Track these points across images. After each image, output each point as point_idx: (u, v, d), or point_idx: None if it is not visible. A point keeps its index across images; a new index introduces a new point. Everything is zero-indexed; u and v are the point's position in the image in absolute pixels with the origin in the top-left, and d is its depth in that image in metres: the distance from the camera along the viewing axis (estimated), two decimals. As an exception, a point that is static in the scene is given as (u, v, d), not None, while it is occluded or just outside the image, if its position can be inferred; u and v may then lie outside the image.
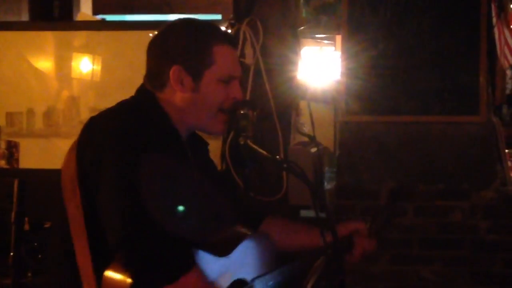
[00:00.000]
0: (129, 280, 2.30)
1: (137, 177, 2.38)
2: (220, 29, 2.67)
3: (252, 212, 2.91)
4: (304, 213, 3.94)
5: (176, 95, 2.51)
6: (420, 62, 3.97)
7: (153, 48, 2.50)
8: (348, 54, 4.01)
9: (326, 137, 4.19)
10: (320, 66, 4.28)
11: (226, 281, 2.53)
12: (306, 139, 3.82)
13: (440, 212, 3.98)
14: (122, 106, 2.54)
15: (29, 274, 3.03)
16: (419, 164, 4.01)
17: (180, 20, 2.66)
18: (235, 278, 2.55)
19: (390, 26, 4.00)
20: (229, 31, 3.66)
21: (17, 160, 3.87)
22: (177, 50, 2.50)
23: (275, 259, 2.70)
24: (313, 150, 3.74)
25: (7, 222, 3.10)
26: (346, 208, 4.04)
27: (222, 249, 2.54)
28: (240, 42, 3.60)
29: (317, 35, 4.25)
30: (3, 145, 3.87)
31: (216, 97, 2.50)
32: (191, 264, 2.33)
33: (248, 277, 2.58)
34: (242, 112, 2.73)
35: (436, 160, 4.01)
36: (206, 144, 2.81)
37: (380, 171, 4.04)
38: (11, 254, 2.76)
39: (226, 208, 2.71)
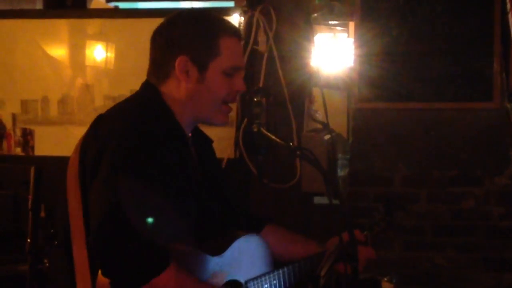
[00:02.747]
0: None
1: (134, 184, 2.38)
2: (227, 21, 2.69)
3: (253, 216, 2.92)
4: (317, 199, 3.94)
5: (180, 86, 2.52)
6: (433, 48, 3.98)
7: (159, 38, 2.50)
8: (361, 41, 4.02)
9: (339, 124, 4.18)
10: (333, 53, 4.27)
11: (220, 280, 2.58)
12: (319, 126, 3.84)
13: (453, 198, 3.99)
14: (127, 105, 2.58)
15: (46, 261, 3.06)
16: (432, 151, 4.03)
17: (186, 10, 2.67)
18: (229, 278, 2.58)
19: (403, 12, 4.01)
20: (241, 19, 3.68)
21: (32, 148, 3.90)
22: (183, 40, 2.50)
23: (271, 262, 2.74)
24: (326, 137, 3.74)
25: (23, 209, 3.12)
26: (358, 195, 4.05)
27: (215, 248, 2.56)
28: (254, 29, 3.61)
29: (330, 22, 4.23)
30: (19, 133, 3.89)
31: (221, 89, 2.52)
32: (165, 264, 2.34)
33: (242, 278, 2.60)
34: (255, 99, 2.74)
35: (449, 146, 4.02)
36: (211, 141, 2.82)
37: (393, 158, 4.06)
38: (28, 241, 2.77)
39: (220, 209, 2.71)
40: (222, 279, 2.57)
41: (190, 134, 2.68)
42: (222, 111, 2.57)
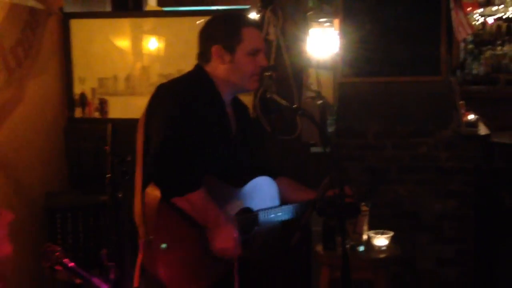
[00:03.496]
0: (158, 195, 2.41)
1: (176, 124, 2.48)
2: (246, 16, 2.78)
3: (271, 167, 2.87)
4: (313, 149, 3.96)
5: (218, 67, 2.57)
6: (396, 37, 4.02)
7: (200, 34, 2.59)
8: (343, 33, 4.08)
9: (328, 94, 4.23)
10: (323, 43, 4.31)
11: (236, 207, 2.62)
12: (313, 94, 3.88)
13: (411, 146, 4.03)
14: (180, 77, 2.67)
15: (120, 193, 3.12)
16: (396, 112, 4.06)
17: (217, 12, 2.73)
18: (244, 206, 2.62)
19: (374, 11, 4.06)
20: (257, 16, 3.66)
21: (106, 112, 3.91)
22: (216, 34, 2.56)
23: (278, 200, 2.73)
24: (319, 102, 3.80)
25: (102, 155, 3.18)
26: (342, 145, 4.08)
27: (237, 182, 2.61)
28: (265, 24, 3.58)
29: (320, 19, 4.26)
30: (96, 102, 3.89)
31: (247, 66, 2.55)
32: (197, 186, 2.41)
33: (254, 207, 2.63)
34: (267, 74, 2.80)
35: (408, 109, 4.05)
36: (246, 108, 2.82)
37: (367, 118, 4.10)
38: (108, 176, 2.80)
39: (247, 156, 2.72)
40: (239, 206, 2.62)
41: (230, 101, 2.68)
42: (251, 81, 2.60)
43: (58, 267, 1.98)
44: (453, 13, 4.02)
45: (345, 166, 4.00)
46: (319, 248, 3.35)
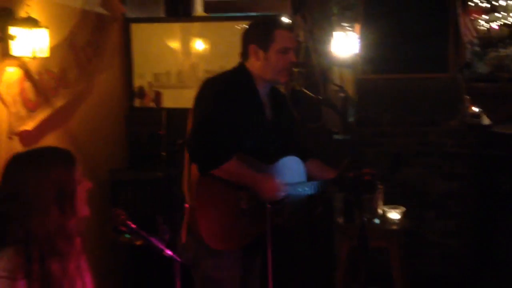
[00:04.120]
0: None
1: (211, 110, 2.50)
2: (280, 20, 2.75)
3: (303, 150, 2.84)
4: (336, 136, 3.93)
5: (255, 63, 2.59)
6: (409, 39, 4.05)
7: (242, 36, 2.61)
8: (363, 36, 4.10)
9: (349, 89, 4.22)
10: (345, 44, 4.31)
11: None
12: (337, 88, 3.90)
13: (421, 134, 4.06)
14: (223, 72, 2.70)
15: (172, 169, 3.22)
16: (408, 104, 4.09)
17: (255, 18, 2.78)
18: None
19: (390, 17, 4.07)
20: (289, 20, 3.69)
21: (160, 103, 3.89)
22: (253, 35, 2.59)
23: (305, 177, 2.71)
24: (341, 95, 3.79)
25: (156, 139, 3.26)
26: (361, 132, 4.12)
27: (268, 160, 2.61)
28: (296, 28, 3.52)
29: (343, 24, 4.27)
30: (152, 94, 3.89)
31: (279, 62, 2.56)
32: (229, 158, 2.43)
33: (284, 182, 2.57)
34: (296, 69, 2.85)
35: (419, 101, 4.08)
36: (284, 97, 2.81)
37: (382, 109, 4.13)
38: (163, 153, 2.87)
39: (281, 139, 2.70)
40: None
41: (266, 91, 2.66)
42: (281, 75, 2.60)
43: (123, 228, 2.05)
44: (460, 18, 4.02)
45: (363, 150, 4.05)
46: (340, 220, 3.39)
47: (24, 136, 2.92)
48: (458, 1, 3.94)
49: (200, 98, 2.60)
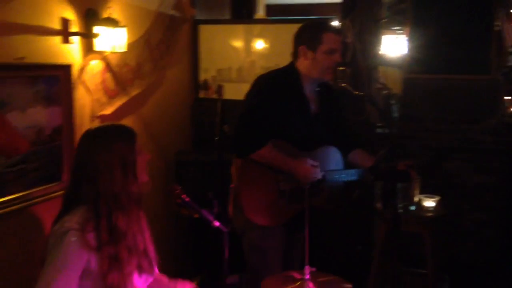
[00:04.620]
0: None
1: (253, 103, 2.58)
2: (328, 24, 2.76)
3: (349, 141, 2.89)
4: (378, 130, 3.93)
5: (303, 62, 2.65)
6: (454, 42, 3.91)
7: (294, 37, 2.69)
8: (411, 38, 4.02)
9: (394, 87, 4.17)
10: (394, 45, 4.27)
11: None
12: (381, 86, 3.87)
13: (462, 131, 3.95)
14: (274, 70, 2.76)
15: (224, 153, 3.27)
16: (450, 103, 3.96)
17: (305, 21, 2.82)
18: None
19: (437, 21, 3.97)
20: (339, 23, 3.70)
21: (222, 94, 3.67)
22: (303, 37, 2.65)
23: (342, 165, 2.74)
24: (384, 92, 3.76)
25: (214, 127, 3.31)
26: (405, 127, 4.02)
27: (307, 148, 2.66)
28: (345, 30, 3.61)
29: (393, 27, 4.24)
30: (215, 86, 3.79)
31: (325, 62, 2.62)
32: (265, 144, 2.49)
33: (321, 169, 2.62)
34: (341, 68, 2.87)
35: (461, 100, 3.94)
36: (333, 93, 2.80)
37: (426, 106, 4.03)
38: (216, 138, 2.97)
39: (327, 130, 2.75)
40: None
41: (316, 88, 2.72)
42: (326, 73, 2.65)
43: (178, 201, 2.16)
44: (503, 24, 3.91)
45: (406, 144, 4.00)
46: (379, 205, 3.39)
47: (103, 119, 3.09)
48: (502, 8, 3.82)
49: (249, 92, 2.69)
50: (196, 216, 2.32)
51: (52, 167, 2.72)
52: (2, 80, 2.38)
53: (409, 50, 4.06)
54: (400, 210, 3.26)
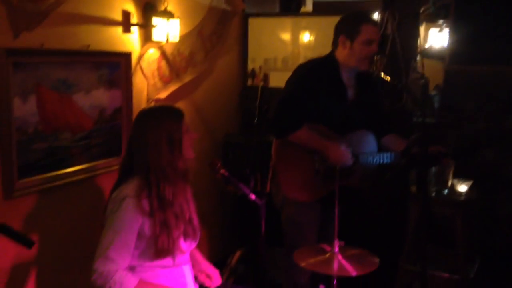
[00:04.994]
0: None
1: (290, 89, 2.60)
2: (367, 15, 2.74)
3: (385, 127, 2.87)
4: (414, 118, 3.82)
5: (342, 51, 2.65)
6: (493, 35, 3.79)
7: (334, 28, 2.70)
8: (452, 31, 3.92)
9: (433, 77, 4.03)
10: (435, 37, 4.18)
11: None
12: (418, 76, 3.75)
13: (499, 120, 3.81)
14: (313, 59, 2.77)
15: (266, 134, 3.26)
16: (488, 93, 3.83)
17: (346, 13, 2.84)
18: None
19: (479, 14, 3.86)
20: (379, 15, 3.66)
21: (268, 82, 3.95)
22: (342, 27, 2.66)
23: (376, 149, 2.72)
24: (421, 81, 3.65)
25: (253, 110, 3.35)
26: (444, 116, 3.91)
27: (343, 131, 2.67)
28: (384, 22, 3.57)
29: (436, 20, 4.14)
30: (262, 75, 3.96)
31: (362, 52, 2.63)
32: (301, 126, 2.52)
33: (355, 152, 2.64)
34: (377, 58, 2.87)
35: (499, 91, 3.84)
36: (371, 80, 2.78)
37: (466, 96, 3.93)
38: (256, 120, 2.97)
39: (364, 115, 2.73)
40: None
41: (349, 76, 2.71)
42: (363, 63, 2.64)
43: (219, 175, 2.28)
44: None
45: (444, 133, 3.92)
46: (413, 188, 3.35)
47: (159, 102, 3.18)
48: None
49: (289, 78, 2.74)
50: (240, 193, 2.42)
51: (113, 143, 2.87)
52: (71, 65, 2.56)
53: (450, 42, 3.97)
54: (433, 194, 3.26)
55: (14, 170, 2.29)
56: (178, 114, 2.16)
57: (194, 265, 2.37)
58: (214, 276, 2.37)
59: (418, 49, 3.82)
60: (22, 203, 2.37)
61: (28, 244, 1.49)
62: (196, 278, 2.34)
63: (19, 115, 2.28)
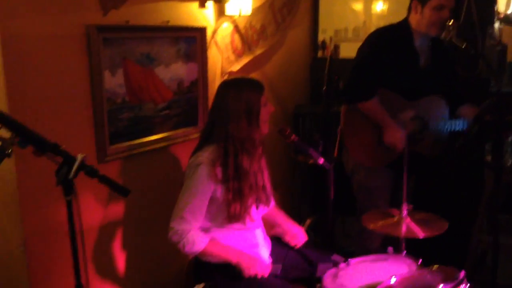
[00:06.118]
0: None
1: (363, 57, 2.64)
2: None
3: (459, 95, 2.84)
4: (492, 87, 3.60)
5: (414, 17, 2.68)
6: None
7: None
8: None
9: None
10: None
11: (409, 114, 2.71)
12: (495, 42, 3.53)
13: None
14: (386, 26, 2.85)
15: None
16: None
17: None
18: (416, 115, 2.74)
19: None
20: None
21: (338, 54, 3.95)
22: None
23: (447, 115, 2.72)
24: (498, 48, 3.48)
25: (323, 81, 3.34)
26: None
27: (413, 96, 2.66)
28: None
29: None
30: (332, 46, 3.94)
31: (432, 17, 2.64)
32: (372, 96, 2.56)
33: (425, 117, 2.69)
34: (449, 23, 2.84)
35: None
36: (445, 47, 2.80)
37: None
38: (324, 88, 3.00)
39: (436, 82, 2.76)
40: (411, 115, 2.72)
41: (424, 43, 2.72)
42: (433, 28, 2.65)
43: (289, 141, 2.38)
44: None
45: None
46: (488, 157, 3.32)
47: (232, 75, 3.30)
48: None
49: (361, 46, 2.81)
50: (311, 162, 2.52)
51: (190, 114, 3.02)
52: (152, 40, 2.73)
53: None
54: (509, 163, 3.16)
55: (106, 136, 2.50)
56: (258, 86, 2.28)
57: (278, 226, 2.49)
58: (299, 235, 2.47)
59: (497, 15, 3.68)
60: (112, 167, 2.60)
61: (124, 192, 1.68)
62: (280, 239, 2.46)
63: (109, 87, 2.47)
